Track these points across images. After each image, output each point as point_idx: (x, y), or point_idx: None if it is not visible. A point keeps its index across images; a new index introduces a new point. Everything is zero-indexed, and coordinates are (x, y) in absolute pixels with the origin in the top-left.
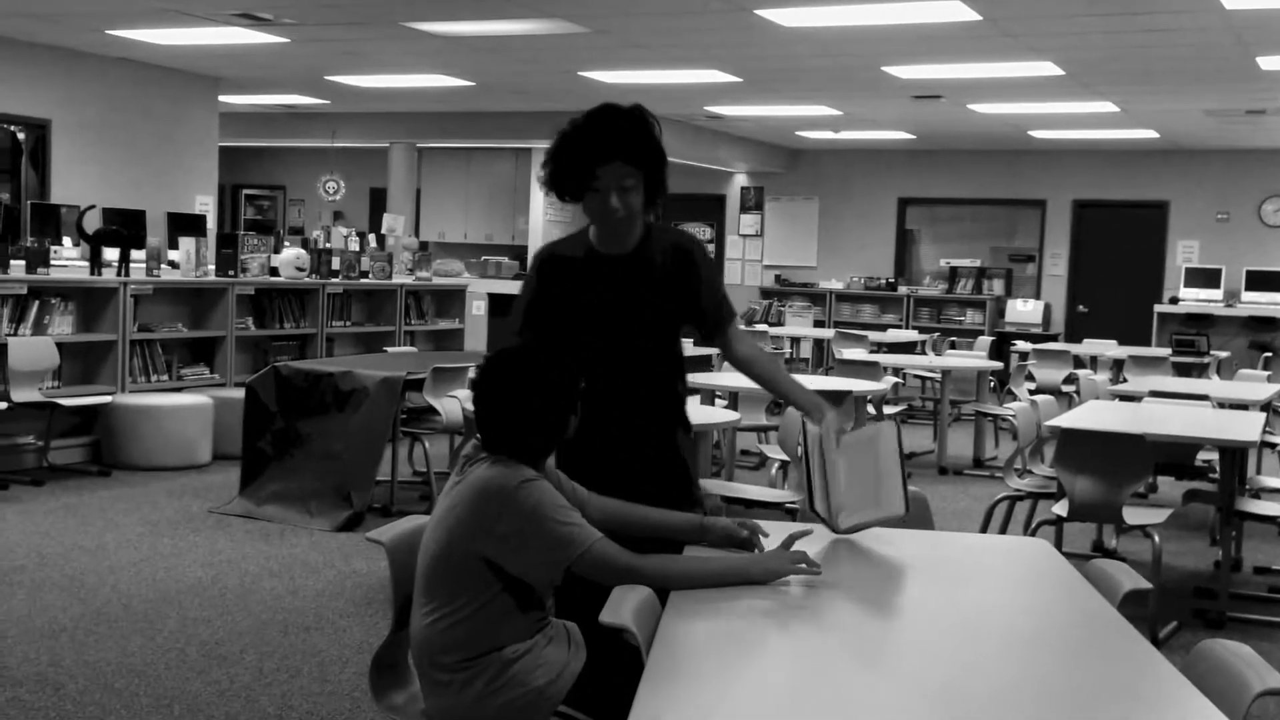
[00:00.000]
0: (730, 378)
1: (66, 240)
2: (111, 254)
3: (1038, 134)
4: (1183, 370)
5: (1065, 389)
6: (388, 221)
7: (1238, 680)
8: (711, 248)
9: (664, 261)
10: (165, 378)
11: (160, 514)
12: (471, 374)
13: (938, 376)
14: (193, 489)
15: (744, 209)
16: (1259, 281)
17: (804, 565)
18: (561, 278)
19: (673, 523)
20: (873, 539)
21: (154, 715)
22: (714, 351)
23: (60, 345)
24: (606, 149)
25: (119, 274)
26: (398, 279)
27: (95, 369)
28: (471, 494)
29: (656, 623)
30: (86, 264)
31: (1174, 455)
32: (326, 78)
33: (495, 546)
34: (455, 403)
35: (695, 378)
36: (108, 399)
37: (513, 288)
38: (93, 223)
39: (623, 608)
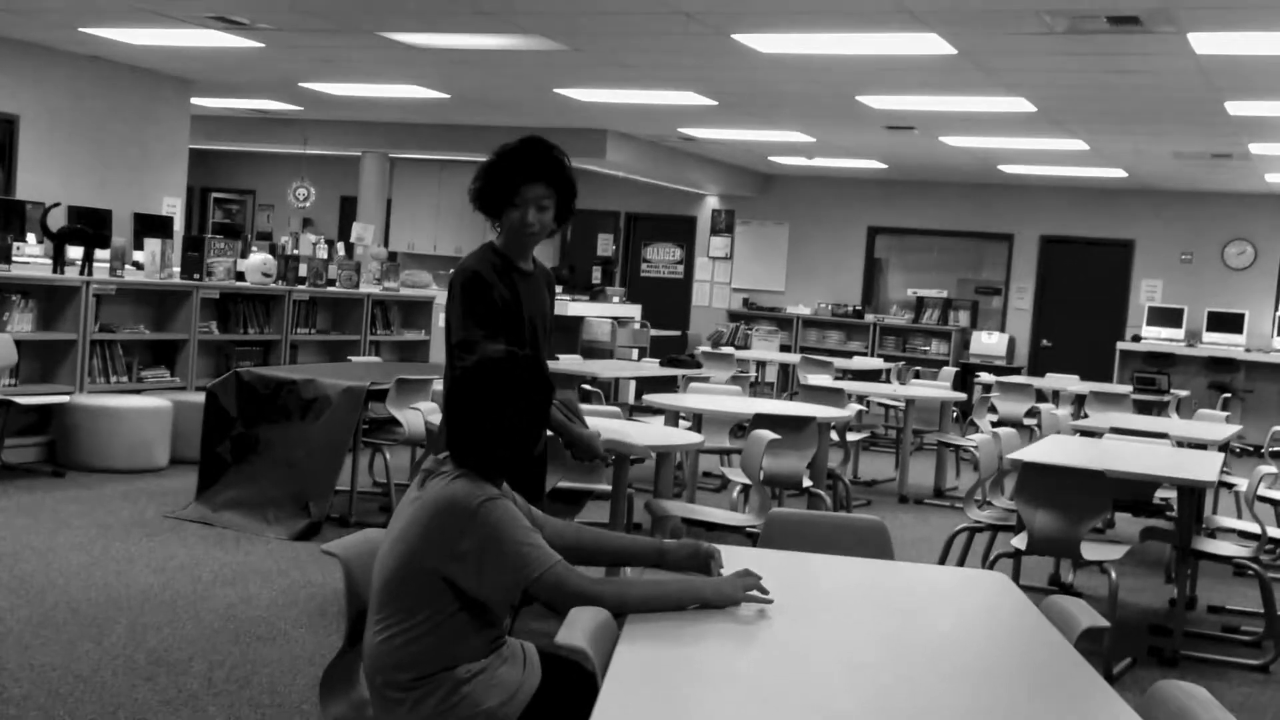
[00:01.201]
0: (695, 399)
1: (30, 237)
2: (75, 252)
3: (1008, 168)
4: (1143, 408)
5: (1027, 422)
6: (357, 230)
7: None
8: (681, 269)
9: (545, 283)
10: (125, 379)
11: (114, 517)
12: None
13: (901, 405)
14: (148, 493)
15: (714, 231)
16: (1220, 323)
17: (756, 592)
18: (496, 288)
19: (632, 549)
20: (831, 567)
21: None
22: (679, 373)
23: (19, 343)
24: (531, 171)
25: (82, 273)
26: (365, 288)
27: (54, 368)
28: (431, 510)
29: (612, 646)
30: (49, 262)
31: (1133, 492)
32: (300, 84)
33: (454, 565)
34: (418, 414)
35: (660, 399)
36: (65, 399)
37: None
38: (57, 220)
39: (577, 630)
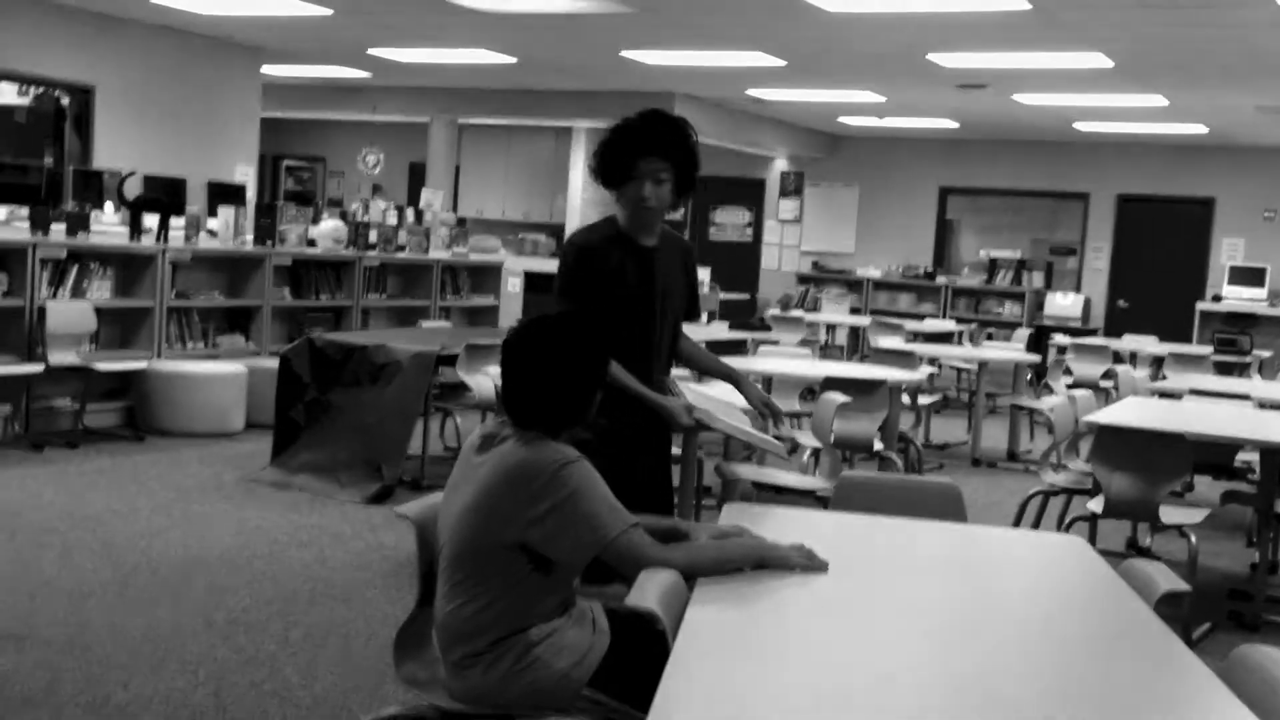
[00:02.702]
0: (765, 362)
1: (108, 206)
2: (151, 221)
3: (1083, 126)
4: (1224, 369)
5: (1103, 384)
6: (426, 196)
7: (1275, 687)
8: (749, 232)
9: (677, 257)
10: (201, 345)
11: (192, 480)
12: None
13: (974, 368)
14: (225, 457)
15: (783, 194)
16: None
17: (810, 561)
18: (601, 260)
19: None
20: (903, 530)
21: (179, 679)
22: (748, 336)
23: (98, 310)
24: (648, 144)
25: (158, 240)
26: (434, 254)
27: (132, 334)
28: (507, 476)
29: (683, 608)
30: (126, 230)
31: (1213, 455)
32: (369, 51)
33: (532, 530)
34: (487, 379)
35: (731, 362)
36: (143, 365)
37: (549, 265)
38: (133, 189)
39: (649, 592)
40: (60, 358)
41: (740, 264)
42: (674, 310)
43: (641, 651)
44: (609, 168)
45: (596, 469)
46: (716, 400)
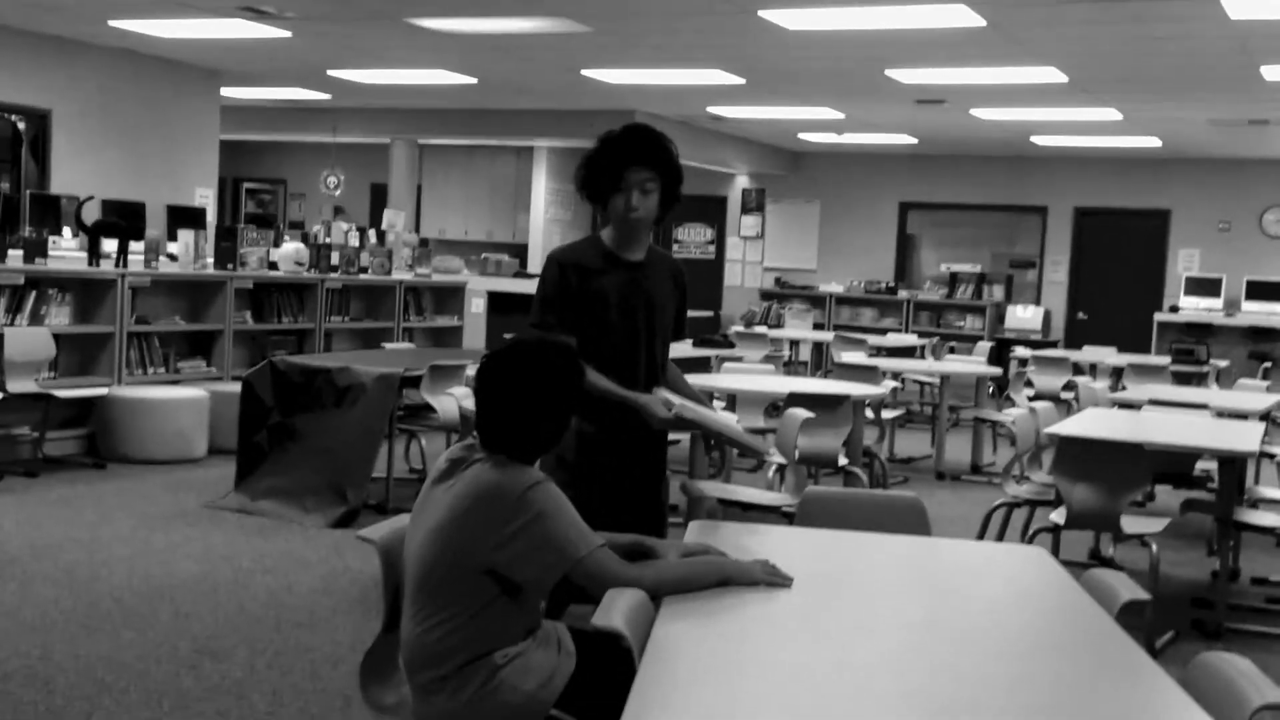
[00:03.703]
0: (729, 379)
1: (65, 231)
2: (110, 245)
3: (1040, 140)
4: (1182, 379)
5: (1064, 396)
6: (388, 217)
7: (1236, 694)
8: (712, 249)
9: (667, 274)
10: (162, 370)
11: (155, 508)
12: (472, 369)
13: (936, 381)
14: (188, 483)
15: (745, 210)
16: (1259, 291)
17: (774, 577)
18: (583, 277)
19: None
20: (868, 545)
21: (144, 710)
22: (712, 353)
23: (57, 336)
24: (634, 154)
25: (117, 265)
26: (397, 275)
27: (92, 361)
28: (474, 498)
29: (649, 627)
30: (84, 255)
31: (1172, 464)
32: (329, 72)
33: (498, 553)
34: (452, 400)
35: (694, 379)
36: (104, 391)
37: (512, 285)
38: (91, 214)
39: (615, 611)
40: (19, 385)
41: (703, 281)
42: (662, 328)
43: (608, 671)
44: (595, 180)
45: (582, 483)
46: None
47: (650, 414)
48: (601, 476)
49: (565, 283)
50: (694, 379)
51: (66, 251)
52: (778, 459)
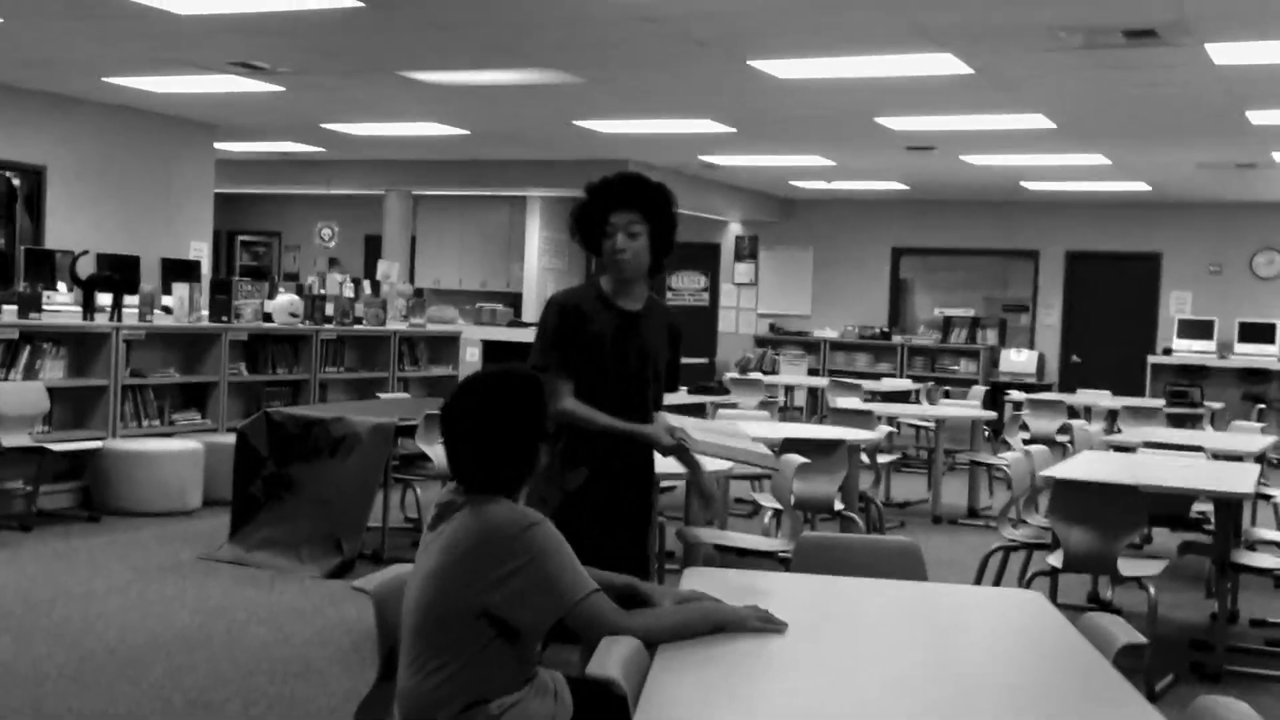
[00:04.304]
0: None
1: (60, 285)
2: (105, 299)
3: (1030, 185)
4: (1176, 421)
5: (1059, 439)
6: (382, 268)
7: None
8: (706, 296)
9: (663, 326)
10: (157, 423)
11: (149, 560)
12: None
13: (932, 426)
14: (182, 535)
15: (738, 258)
16: (1252, 333)
17: (767, 623)
18: (580, 320)
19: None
20: (865, 590)
21: None
22: (707, 400)
23: (51, 390)
24: (619, 198)
25: (112, 319)
26: (392, 325)
27: (86, 414)
28: (470, 540)
29: (644, 675)
30: (79, 309)
31: (1169, 506)
32: (322, 125)
33: (493, 594)
34: None
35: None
36: (98, 444)
37: (507, 334)
38: (86, 268)
39: (610, 659)
40: (13, 439)
41: (698, 328)
42: (655, 377)
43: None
44: (585, 228)
45: (568, 523)
46: (717, 430)
47: (655, 442)
48: (589, 518)
49: (564, 326)
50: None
51: (61, 306)
52: (773, 504)
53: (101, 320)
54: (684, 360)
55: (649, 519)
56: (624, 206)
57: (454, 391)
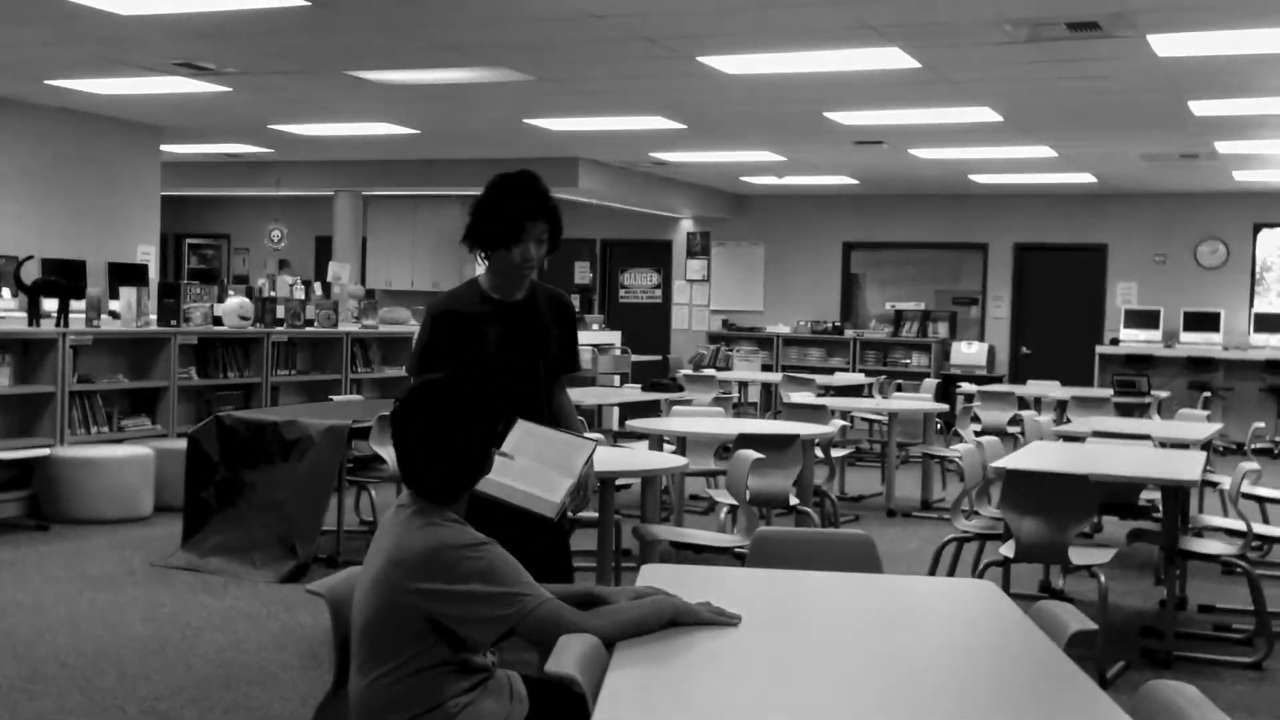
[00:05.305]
0: (679, 422)
1: (4, 291)
2: (50, 305)
3: (979, 178)
4: (1124, 410)
5: (1010, 430)
6: (333, 269)
7: None
8: (659, 293)
9: (547, 309)
10: (106, 429)
11: (100, 568)
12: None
13: (885, 419)
14: (134, 542)
15: (690, 254)
16: (1196, 322)
17: (720, 616)
18: (460, 324)
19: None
20: (820, 583)
21: None
22: (661, 397)
23: None
24: (535, 208)
25: (58, 324)
26: (343, 327)
27: (33, 421)
28: (417, 555)
29: (602, 672)
30: (24, 315)
31: (1118, 495)
32: (270, 126)
33: (440, 605)
34: None
35: (644, 423)
36: (45, 451)
37: None
38: (31, 273)
39: (567, 657)
40: None
41: (650, 325)
42: (546, 361)
43: (562, 718)
44: (492, 231)
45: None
46: (552, 445)
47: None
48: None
49: (438, 334)
50: (644, 423)
51: (6, 312)
52: (728, 500)
53: (47, 326)
54: (637, 358)
55: (564, 538)
56: (536, 216)
57: (404, 396)
